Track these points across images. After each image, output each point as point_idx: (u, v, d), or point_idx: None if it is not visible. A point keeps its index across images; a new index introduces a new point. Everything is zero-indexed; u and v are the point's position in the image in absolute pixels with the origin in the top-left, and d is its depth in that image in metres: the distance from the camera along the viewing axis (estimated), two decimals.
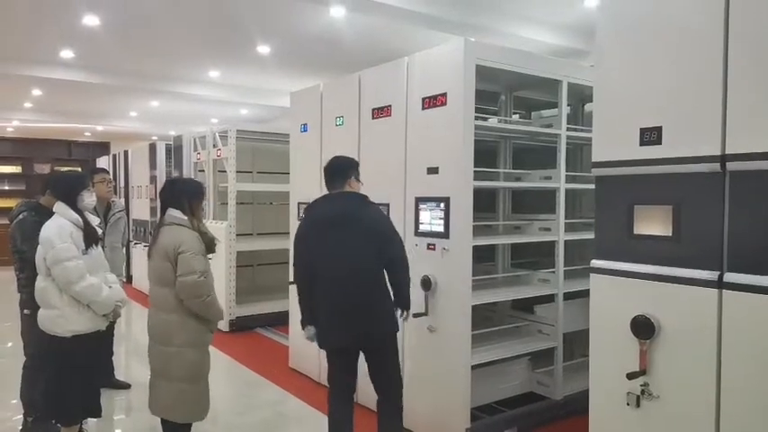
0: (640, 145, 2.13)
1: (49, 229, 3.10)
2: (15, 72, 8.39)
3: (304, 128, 4.96)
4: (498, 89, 4.48)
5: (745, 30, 1.87)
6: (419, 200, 3.70)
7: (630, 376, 2.10)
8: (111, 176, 6.29)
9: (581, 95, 4.62)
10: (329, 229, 3.09)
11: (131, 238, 9.11)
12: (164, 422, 3.18)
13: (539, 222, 4.15)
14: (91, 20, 6.36)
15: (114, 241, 4.57)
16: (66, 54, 7.87)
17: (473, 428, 3.50)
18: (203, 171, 7.31)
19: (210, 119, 13.10)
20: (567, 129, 3.98)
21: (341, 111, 4.47)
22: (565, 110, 4.01)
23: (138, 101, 11.36)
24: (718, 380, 1.93)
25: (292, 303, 4.82)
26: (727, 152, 1.91)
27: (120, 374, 4.87)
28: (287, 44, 7.49)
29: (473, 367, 3.51)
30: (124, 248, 4.93)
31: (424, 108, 3.65)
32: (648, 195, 2.14)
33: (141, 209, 9.32)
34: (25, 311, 3.48)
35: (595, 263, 2.30)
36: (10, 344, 5.99)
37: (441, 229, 3.53)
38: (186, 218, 3.12)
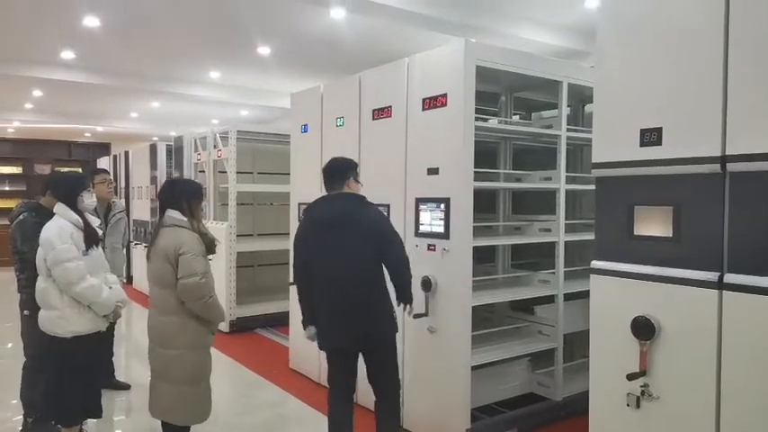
0: (640, 146, 2.13)
1: (49, 230, 3.10)
2: (16, 73, 8.38)
3: (304, 129, 4.96)
4: (498, 90, 4.49)
5: (746, 31, 1.87)
6: (419, 200, 3.70)
7: (631, 377, 2.10)
8: (112, 177, 6.28)
9: (581, 96, 4.62)
10: (328, 230, 3.10)
11: (132, 239, 9.10)
12: (164, 424, 3.17)
13: (539, 223, 4.15)
14: (91, 20, 6.36)
15: (115, 242, 4.58)
16: (67, 55, 7.87)
17: (473, 429, 3.50)
18: (204, 172, 7.31)
19: (211, 120, 13.10)
20: (568, 130, 3.98)
21: (341, 111, 4.48)
22: (565, 111, 4.01)
23: (139, 102, 11.36)
24: (718, 381, 1.93)
25: (293, 304, 4.82)
26: (727, 153, 1.91)
27: (120, 375, 4.87)
28: (287, 45, 7.49)
29: (473, 368, 3.51)
30: (124, 249, 4.93)
31: (424, 109, 3.65)
32: (649, 196, 2.14)
33: (142, 209, 9.33)
34: (25, 312, 3.48)
35: (596, 264, 2.30)
36: (10, 344, 5.99)
37: (441, 229, 3.53)
38: (186, 219, 3.11)
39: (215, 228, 6.45)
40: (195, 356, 3.10)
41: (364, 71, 4.28)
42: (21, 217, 3.53)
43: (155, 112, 12.38)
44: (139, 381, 4.58)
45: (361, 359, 3.19)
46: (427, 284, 3.56)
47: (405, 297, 3.18)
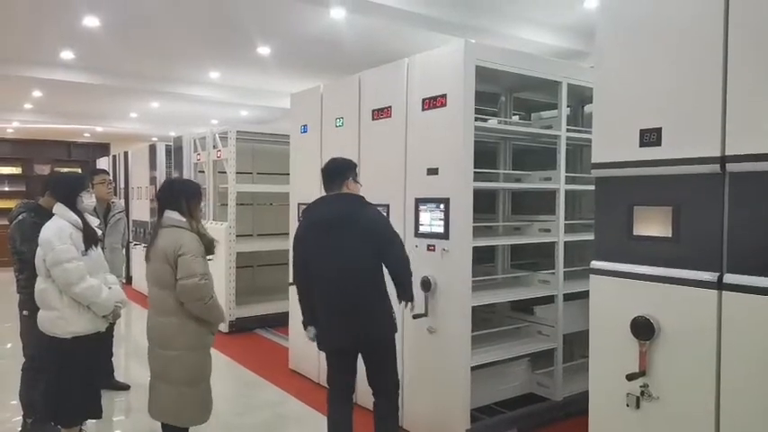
0: (640, 146, 2.13)
1: (48, 231, 3.09)
2: (15, 73, 8.39)
3: (304, 129, 4.96)
4: (498, 90, 4.49)
5: (745, 31, 1.87)
6: (419, 201, 3.70)
7: (630, 377, 2.10)
8: (111, 177, 6.28)
9: (581, 97, 4.62)
10: (327, 230, 3.09)
11: (131, 239, 9.10)
12: (164, 426, 3.15)
13: (538, 223, 4.16)
14: (91, 21, 6.36)
15: (114, 242, 4.58)
16: (67, 55, 7.87)
17: (473, 429, 3.50)
18: (203, 172, 7.30)
19: (211, 120, 13.11)
20: (567, 130, 3.98)
21: (341, 112, 4.48)
22: (565, 111, 4.01)
23: (139, 102, 11.37)
24: (717, 381, 1.93)
25: (292, 304, 4.82)
26: (726, 153, 1.91)
27: (119, 376, 4.87)
28: (287, 45, 7.50)
29: (473, 368, 3.51)
30: (124, 249, 4.93)
31: (424, 109, 3.65)
32: (648, 196, 2.14)
33: (141, 210, 9.32)
34: (24, 312, 3.47)
35: (595, 264, 2.30)
36: (9, 345, 5.99)
37: (440, 230, 3.53)
38: (185, 219, 3.09)
39: (214, 228, 6.45)
40: (194, 357, 3.09)
41: (364, 71, 4.28)
42: (20, 217, 3.52)
43: (154, 112, 12.39)
44: (139, 381, 4.57)
45: (360, 359, 3.19)
46: (427, 285, 3.56)
47: (406, 296, 3.18)
